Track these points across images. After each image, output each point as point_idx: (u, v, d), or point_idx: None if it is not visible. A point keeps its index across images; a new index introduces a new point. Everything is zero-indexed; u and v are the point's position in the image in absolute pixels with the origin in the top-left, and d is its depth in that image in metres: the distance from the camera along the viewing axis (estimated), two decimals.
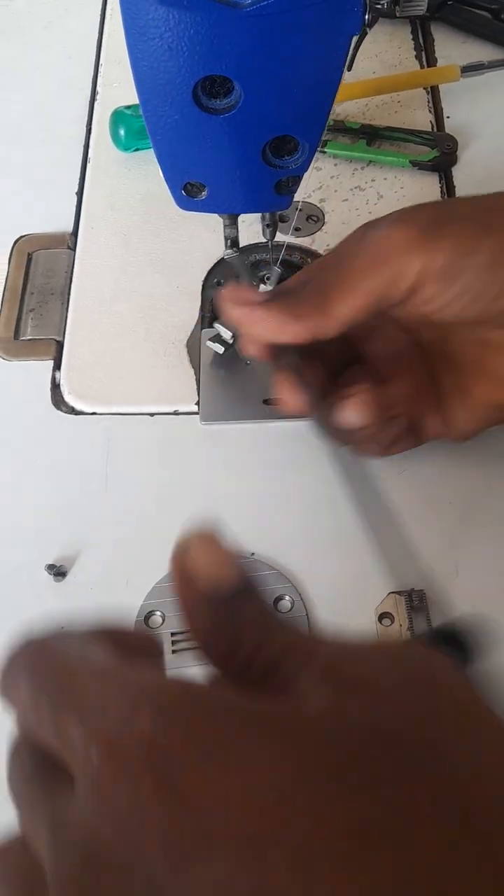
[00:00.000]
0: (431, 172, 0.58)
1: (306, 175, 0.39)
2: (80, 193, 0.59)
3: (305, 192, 0.57)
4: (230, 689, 0.23)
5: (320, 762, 0.18)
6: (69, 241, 0.57)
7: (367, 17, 0.31)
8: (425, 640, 0.30)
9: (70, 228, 0.57)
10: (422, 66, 0.65)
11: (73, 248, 0.56)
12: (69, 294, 0.54)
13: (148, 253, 0.56)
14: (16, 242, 0.57)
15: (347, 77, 0.35)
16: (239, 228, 0.44)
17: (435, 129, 0.60)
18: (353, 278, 0.37)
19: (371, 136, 0.59)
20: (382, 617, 0.42)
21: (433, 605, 0.42)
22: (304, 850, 0.17)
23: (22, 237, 0.57)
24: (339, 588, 0.43)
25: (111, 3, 0.70)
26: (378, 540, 0.39)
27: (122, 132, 0.58)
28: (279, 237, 0.47)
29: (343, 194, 0.57)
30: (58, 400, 0.50)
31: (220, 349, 0.48)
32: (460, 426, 0.43)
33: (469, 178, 0.58)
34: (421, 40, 0.66)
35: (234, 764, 0.18)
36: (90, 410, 0.50)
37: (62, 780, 0.20)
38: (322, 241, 0.55)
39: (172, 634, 0.41)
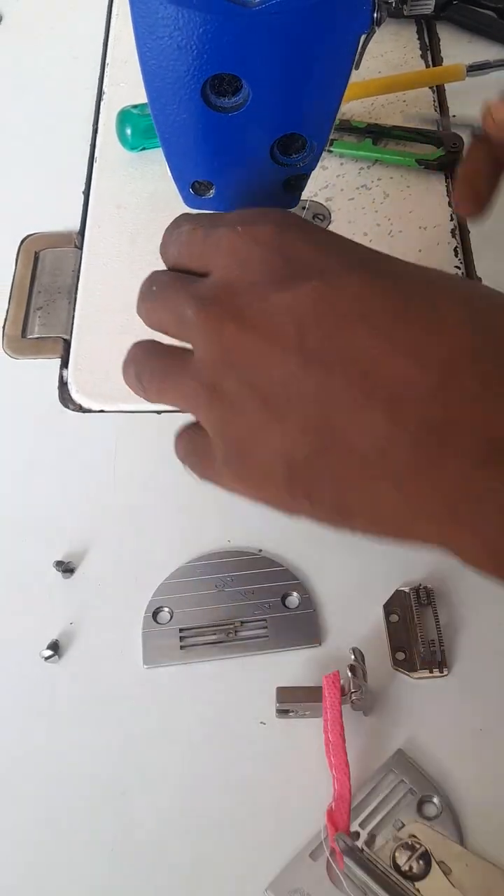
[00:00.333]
0: (438, 171, 0.58)
1: (313, 174, 0.40)
2: (86, 192, 0.59)
3: (311, 190, 0.57)
4: None
5: None
6: (76, 239, 0.57)
7: (375, 15, 0.31)
8: None
9: (77, 227, 0.58)
10: (427, 66, 0.65)
11: (80, 247, 0.56)
12: (76, 292, 0.54)
13: (155, 251, 0.55)
14: (23, 241, 0.57)
15: (354, 77, 0.35)
16: None
17: (441, 129, 0.60)
18: None
19: (377, 136, 0.59)
20: (390, 613, 0.42)
21: (440, 599, 0.42)
22: None
23: (29, 236, 0.57)
24: (346, 584, 0.43)
25: (117, 3, 0.70)
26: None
27: (128, 131, 0.58)
28: None
29: (349, 193, 0.57)
30: (65, 398, 0.50)
31: None
32: None
33: None
34: (426, 40, 0.66)
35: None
36: (98, 408, 0.50)
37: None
38: None
39: (181, 630, 0.42)
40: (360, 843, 0.35)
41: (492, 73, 0.61)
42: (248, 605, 0.42)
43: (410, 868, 0.35)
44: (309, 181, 0.40)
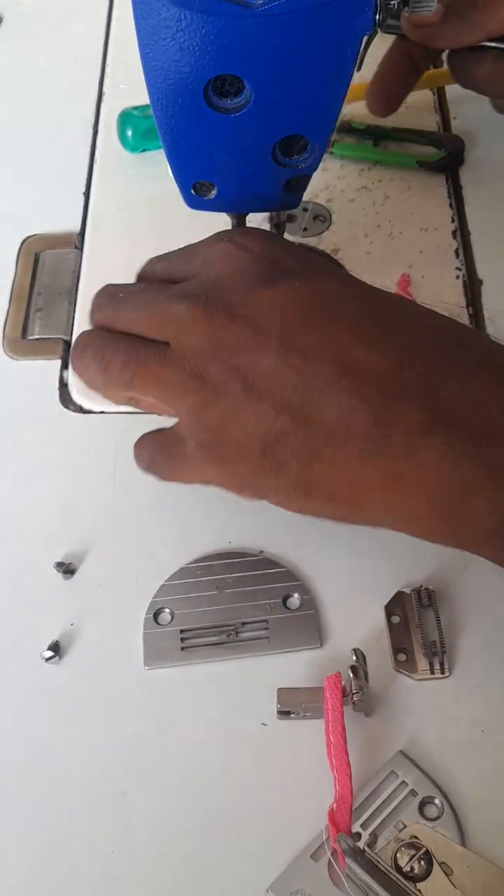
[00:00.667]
0: (438, 173, 0.58)
1: (313, 175, 0.40)
2: (87, 194, 0.59)
3: (312, 192, 0.57)
4: None
5: None
6: (76, 241, 0.57)
7: (377, 16, 0.31)
8: None
9: (77, 228, 0.58)
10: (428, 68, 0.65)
11: (80, 248, 0.57)
12: (76, 294, 0.54)
13: (155, 253, 0.56)
14: (23, 242, 0.57)
15: (355, 78, 0.35)
16: None
17: (441, 131, 0.60)
18: None
19: (377, 137, 0.59)
20: (391, 614, 0.42)
21: (442, 601, 0.42)
22: None
23: (29, 237, 0.57)
24: (348, 585, 0.43)
25: (118, 5, 0.70)
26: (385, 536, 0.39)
27: (129, 133, 0.59)
28: (287, 237, 0.47)
29: (350, 195, 0.58)
30: (66, 399, 0.50)
31: None
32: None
33: (476, 179, 0.58)
34: None
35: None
36: (98, 409, 0.50)
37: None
38: (329, 241, 0.55)
39: (182, 631, 0.42)
40: (361, 844, 0.35)
41: None
42: (249, 606, 0.42)
43: (412, 869, 0.35)
44: (310, 182, 0.40)
